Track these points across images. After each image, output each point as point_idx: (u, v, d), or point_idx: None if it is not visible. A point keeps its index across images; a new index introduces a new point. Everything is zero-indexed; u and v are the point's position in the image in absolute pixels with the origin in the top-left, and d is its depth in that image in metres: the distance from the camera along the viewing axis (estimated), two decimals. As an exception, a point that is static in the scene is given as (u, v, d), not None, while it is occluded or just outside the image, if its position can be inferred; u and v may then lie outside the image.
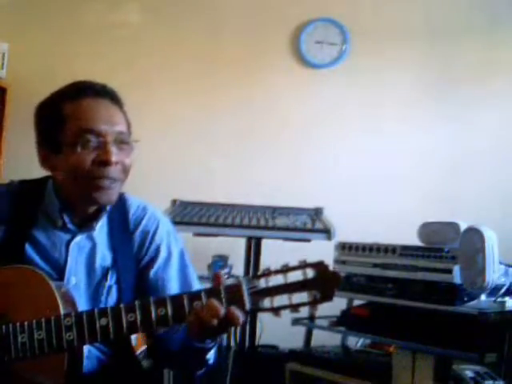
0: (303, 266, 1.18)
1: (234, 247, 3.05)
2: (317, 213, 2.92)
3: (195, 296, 1.19)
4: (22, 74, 3.41)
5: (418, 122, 3.52)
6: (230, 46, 3.59)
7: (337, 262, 2.43)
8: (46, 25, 3.58)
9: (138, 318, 1.17)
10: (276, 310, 1.17)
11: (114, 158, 1.32)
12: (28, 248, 1.37)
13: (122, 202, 1.48)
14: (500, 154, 3.42)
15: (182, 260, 1.51)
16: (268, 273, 1.18)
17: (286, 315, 1.19)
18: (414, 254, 2.18)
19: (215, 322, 1.15)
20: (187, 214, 2.78)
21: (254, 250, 2.83)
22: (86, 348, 1.28)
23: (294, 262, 1.20)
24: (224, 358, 2.72)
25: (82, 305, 1.34)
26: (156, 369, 1.46)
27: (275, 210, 2.93)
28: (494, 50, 3.50)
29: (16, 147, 3.30)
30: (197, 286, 1.47)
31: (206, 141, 3.52)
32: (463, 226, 2.08)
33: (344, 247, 2.42)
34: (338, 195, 3.38)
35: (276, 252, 2.71)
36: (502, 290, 2.01)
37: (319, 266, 1.18)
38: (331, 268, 1.20)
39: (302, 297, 1.17)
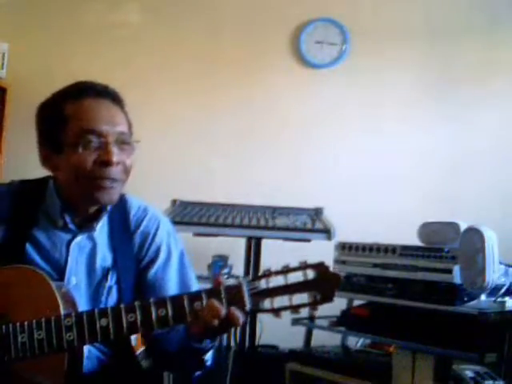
0: (304, 266, 1.19)
1: (233, 247, 3.05)
2: (317, 213, 2.92)
3: (196, 296, 1.19)
4: (22, 73, 3.41)
5: (417, 122, 3.52)
6: (230, 45, 3.59)
7: (337, 262, 2.42)
8: (46, 25, 3.58)
9: (139, 318, 1.17)
10: (276, 311, 1.17)
11: (115, 159, 1.33)
12: (29, 248, 1.37)
13: (122, 202, 1.48)
14: (500, 154, 3.42)
15: (182, 261, 1.51)
16: (268, 274, 1.18)
17: (286, 315, 1.19)
18: (413, 253, 2.18)
19: (216, 322, 1.15)
20: (187, 214, 2.78)
21: (253, 250, 2.83)
22: (86, 348, 1.28)
23: (294, 262, 1.20)
24: (224, 358, 2.72)
25: (83, 305, 1.34)
26: (155, 369, 1.46)
27: (275, 210, 2.93)
28: (494, 50, 3.50)
29: (16, 147, 3.30)
30: (195, 287, 1.47)
31: (206, 141, 3.52)
32: (463, 226, 2.08)
33: (344, 247, 2.42)
34: (338, 195, 3.38)
35: (276, 252, 2.72)
36: (502, 290, 2.01)
37: (320, 267, 1.19)
38: (331, 269, 1.20)
39: (302, 298, 1.18)
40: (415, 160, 3.47)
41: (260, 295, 1.17)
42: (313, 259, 1.20)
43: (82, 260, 1.41)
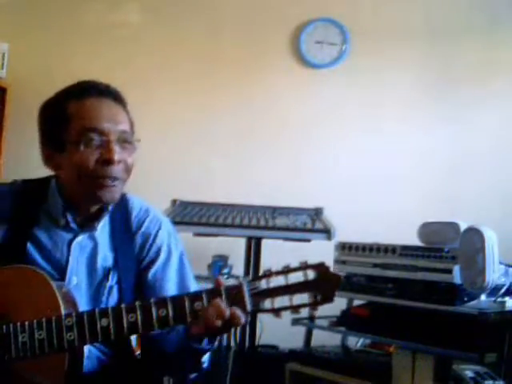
0: (304, 267, 1.19)
1: (233, 247, 3.05)
2: (317, 213, 2.92)
3: (196, 297, 1.19)
4: (22, 74, 3.41)
5: (417, 122, 3.52)
6: (230, 45, 3.60)
7: (337, 262, 2.42)
8: (46, 25, 3.58)
9: (139, 318, 1.18)
10: (277, 311, 1.18)
11: (116, 157, 1.33)
12: (30, 248, 1.38)
13: (124, 202, 1.48)
14: (500, 154, 3.42)
15: (182, 262, 1.51)
16: (269, 274, 1.19)
17: (286, 315, 1.20)
18: (414, 254, 2.18)
19: (219, 322, 1.16)
20: (187, 214, 2.78)
21: (253, 250, 2.83)
22: (87, 348, 1.28)
23: (294, 262, 1.20)
24: (224, 358, 2.72)
25: (83, 305, 1.34)
26: (150, 372, 1.45)
27: (275, 210, 2.93)
28: (494, 50, 3.50)
29: (16, 147, 3.31)
30: (194, 288, 1.47)
31: (206, 141, 3.52)
32: (463, 226, 2.07)
33: (344, 247, 2.42)
34: (338, 195, 3.38)
35: (276, 252, 2.72)
36: (502, 290, 2.01)
37: (320, 268, 1.19)
38: (332, 269, 1.20)
39: (302, 298, 1.18)
40: (415, 160, 3.47)
41: (260, 295, 1.18)
42: (313, 259, 1.21)
43: (83, 260, 1.41)
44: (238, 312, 1.17)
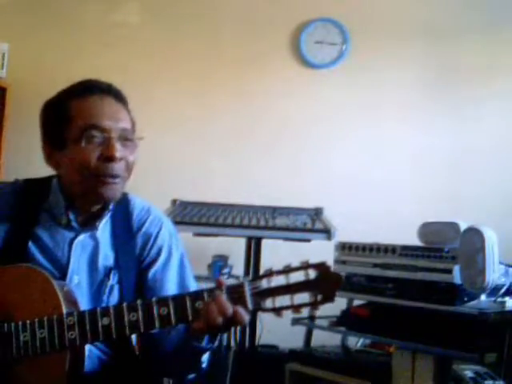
0: (305, 266, 1.19)
1: (233, 247, 3.05)
2: (317, 213, 2.92)
3: (197, 296, 1.19)
4: (22, 74, 3.41)
5: (417, 122, 3.52)
6: (230, 45, 3.60)
7: (337, 262, 2.42)
8: (46, 25, 3.58)
9: (141, 317, 1.18)
10: (278, 311, 1.18)
11: (118, 154, 1.33)
12: (31, 247, 1.38)
13: (125, 202, 1.48)
14: (500, 154, 3.43)
15: (182, 263, 1.51)
16: (270, 273, 1.19)
17: (287, 315, 1.20)
18: (414, 253, 2.18)
19: (221, 320, 1.16)
20: (187, 214, 2.78)
21: (253, 250, 2.83)
22: (87, 348, 1.28)
23: (294, 262, 1.20)
24: (224, 358, 2.72)
25: (84, 304, 1.34)
26: (148, 372, 1.45)
27: (275, 210, 2.93)
28: (494, 50, 3.50)
29: (16, 147, 3.31)
30: (194, 289, 1.47)
31: (206, 141, 3.52)
32: (463, 226, 2.08)
33: (344, 247, 2.42)
34: (338, 195, 3.38)
35: (276, 252, 2.73)
36: (502, 290, 2.01)
37: (321, 267, 1.19)
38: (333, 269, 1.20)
39: (303, 297, 1.18)
40: (415, 160, 3.47)
41: (262, 295, 1.18)
42: (313, 259, 1.21)
43: (84, 259, 1.41)
44: (242, 310, 1.17)
